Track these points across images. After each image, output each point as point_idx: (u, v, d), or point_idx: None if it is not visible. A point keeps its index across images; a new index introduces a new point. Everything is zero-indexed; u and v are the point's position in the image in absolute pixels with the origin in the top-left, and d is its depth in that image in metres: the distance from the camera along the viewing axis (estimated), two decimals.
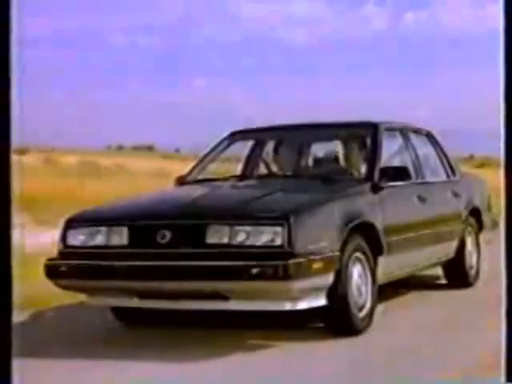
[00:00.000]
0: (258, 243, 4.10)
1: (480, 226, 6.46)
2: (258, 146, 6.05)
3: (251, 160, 5.99)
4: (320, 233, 4.28)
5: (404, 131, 5.86)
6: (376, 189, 4.97)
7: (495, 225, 6.77)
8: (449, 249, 5.92)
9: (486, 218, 6.54)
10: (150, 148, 54.16)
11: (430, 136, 6.30)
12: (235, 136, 5.94)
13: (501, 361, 2.86)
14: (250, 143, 6.10)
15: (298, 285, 4.06)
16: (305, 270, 4.05)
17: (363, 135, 5.58)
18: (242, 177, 5.69)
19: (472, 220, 6.31)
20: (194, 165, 5.74)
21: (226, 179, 5.47)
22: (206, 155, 5.82)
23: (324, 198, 4.62)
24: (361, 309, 4.54)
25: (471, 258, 6.23)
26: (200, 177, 5.57)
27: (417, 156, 5.82)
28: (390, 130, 5.67)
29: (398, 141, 5.77)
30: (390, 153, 5.58)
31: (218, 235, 4.17)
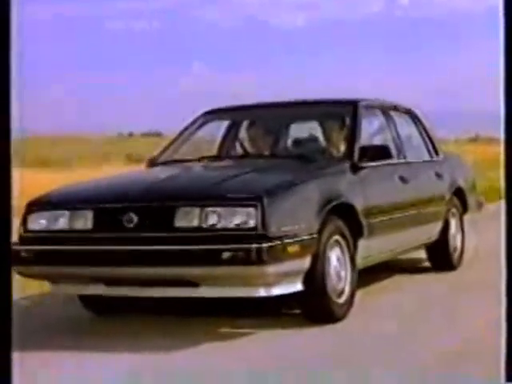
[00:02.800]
0: (230, 226, 3.87)
1: (464, 208, 6.26)
2: (234, 125, 5.81)
3: (227, 140, 5.76)
4: (296, 214, 4.06)
5: (385, 109, 5.65)
6: (355, 168, 4.76)
7: (480, 206, 6.59)
8: (432, 231, 5.73)
9: (470, 199, 6.34)
10: (158, 134, 54.43)
11: (412, 115, 6.09)
12: (209, 115, 5.70)
13: (501, 361, 2.78)
14: (225, 123, 5.87)
15: (272, 269, 3.84)
16: (279, 253, 3.84)
17: (343, 113, 5.36)
18: (215, 157, 5.47)
19: (456, 201, 6.12)
20: (166, 145, 5.50)
21: (198, 160, 5.22)
22: (179, 135, 5.58)
23: (300, 177, 4.40)
24: (339, 295, 4.33)
25: (455, 240, 6.04)
26: (172, 158, 5.32)
27: (398, 135, 5.61)
28: (370, 107, 5.45)
29: (379, 119, 5.57)
30: (371, 131, 5.38)
31: (187, 218, 3.94)
